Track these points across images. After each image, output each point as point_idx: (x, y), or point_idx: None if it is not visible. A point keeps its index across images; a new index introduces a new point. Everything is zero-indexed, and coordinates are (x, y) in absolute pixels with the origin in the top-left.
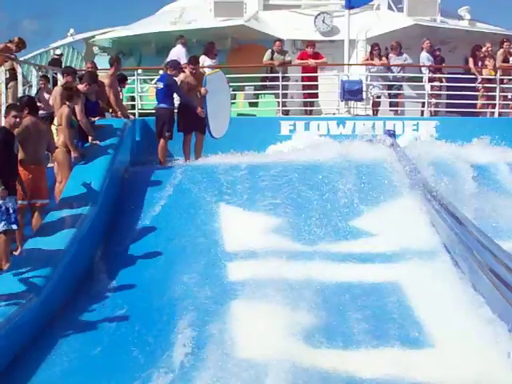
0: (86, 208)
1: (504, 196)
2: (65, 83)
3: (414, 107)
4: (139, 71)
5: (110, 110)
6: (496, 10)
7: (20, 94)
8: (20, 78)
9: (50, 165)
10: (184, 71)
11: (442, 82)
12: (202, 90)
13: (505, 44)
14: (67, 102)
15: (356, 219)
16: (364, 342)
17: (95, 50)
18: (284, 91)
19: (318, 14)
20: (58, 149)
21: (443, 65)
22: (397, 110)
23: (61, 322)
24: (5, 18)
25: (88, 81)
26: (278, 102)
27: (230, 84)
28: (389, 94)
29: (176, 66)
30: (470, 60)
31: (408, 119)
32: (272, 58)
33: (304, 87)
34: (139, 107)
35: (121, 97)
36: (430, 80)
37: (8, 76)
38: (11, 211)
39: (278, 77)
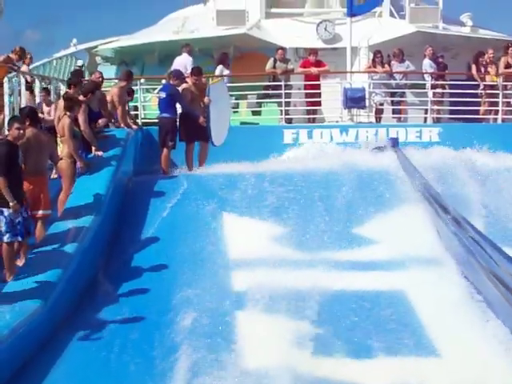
0: (90, 218)
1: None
2: (65, 93)
3: (417, 114)
4: (142, 80)
5: (113, 121)
6: (498, 16)
7: (23, 105)
8: (23, 89)
9: (53, 175)
10: (187, 81)
11: (444, 88)
12: (206, 99)
13: (510, 49)
14: (68, 113)
15: (360, 227)
16: (369, 350)
17: (98, 59)
18: (287, 99)
19: (320, 22)
20: (62, 160)
21: (446, 72)
22: (400, 117)
23: (65, 332)
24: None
25: (89, 90)
26: (281, 111)
27: (233, 93)
28: (391, 102)
29: (179, 75)
30: (473, 66)
31: (411, 126)
32: (274, 67)
33: (307, 95)
34: (142, 116)
35: (127, 108)
36: (433, 87)
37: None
38: (16, 223)
39: (281, 85)
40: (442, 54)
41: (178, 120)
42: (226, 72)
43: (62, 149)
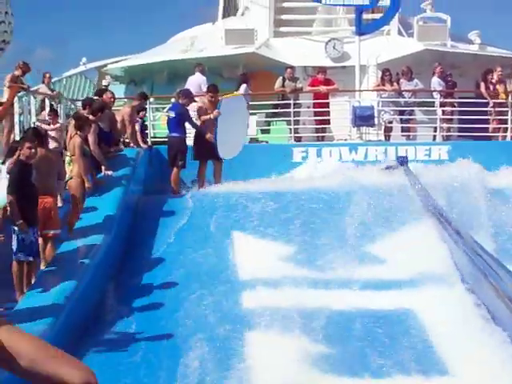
0: (100, 238)
1: None
2: (75, 113)
3: (426, 132)
4: (151, 99)
5: (122, 140)
6: (506, 34)
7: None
8: (33, 109)
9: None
10: (196, 100)
11: (453, 106)
12: (215, 111)
13: None
14: (78, 132)
15: (370, 245)
16: (379, 370)
17: (107, 78)
18: (296, 118)
19: (329, 41)
20: (72, 179)
21: (455, 89)
22: (409, 135)
23: (75, 352)
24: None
25: (98, 110)
26: (290, 129)
27: None
28: (400, 120)
29: (187, 94)
30: (482, 84)
31: (420, 144)
32: (283, 85)
33: (316, 114)
34: (151, 135)
35: (137, 127)
36: (442, 105)
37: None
38: (27, 242)
39: (290, 104)
40: (450, 72)
41: (187, 139)
42: (248, 91)
43: (73, 168)
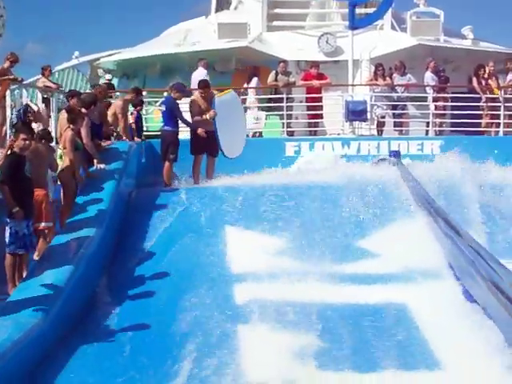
0: (92, 231)
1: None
2: (67, 106)
3: (419, 127)
4: (144, 93)
5: (115, 134)
6: (499, 29)
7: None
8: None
9: None
10: (188, 95)
11: (446, 101)
12: (211, 112)
13: (508, 63)
14: (71, 126)
15: (362, 240)
16: (372, 364)
17: (100, 72)
18: (288, 112)
19: (322, 35)
20: (63, 171)
21: (448, 84)
22: (401, 130)
23: (68, 343)
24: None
25: (90, 103)
26: (283, 123)
27: None
28: (393, 114)
29: (180, 88)
30: (474, 79)
31: (413, 139)
32: (276, 79)
33: (308, 108)
34: (144, 129)
35: (132, 120)
36: (435, 100)
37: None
38: (20, 235)
39: (283, 98)
40: (443, 67)
41: (180, 133)
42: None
43: (64, 161)
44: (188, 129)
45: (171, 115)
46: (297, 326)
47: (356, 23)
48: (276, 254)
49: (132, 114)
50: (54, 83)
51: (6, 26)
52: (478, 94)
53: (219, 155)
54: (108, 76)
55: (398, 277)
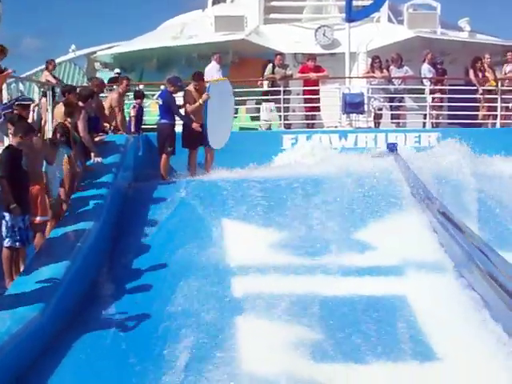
0: (89, 224)
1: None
2: (65, 99)
3: (416, 119)
4: (141, 86)
5: (112, 128)
6: (496, 21)
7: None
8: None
9: None
10: (183, 89)
11: (444, 93)
12: (204, 95)
13: (508, 54)
14: (68, 119)
15: (359, 232)
16: (369, 356)
17: (97, 65)
18: (286, 105)
19: (319, 28)
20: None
21: (445, 77)
22: (398, 123)
23: (66, 337)
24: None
25: (88, 96)
26: (280, 116)
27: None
28: (390, 107)
29: (175, 82)
30: (471, 71)
31: (410, 131)
32: (273, 72)
33: (305, 100)
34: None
35: (133, 113)
36: (432, 92)
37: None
38: (16, 229)
39: (280, 90)
40: (441, 59)
41: (176, 125)
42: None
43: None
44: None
45: (168, 108)
46: (293, 319)
47: (353, 16)
48: (273, 246)
49: (134, 106)
50: (56, 78)
51: (3, 20)
52: (475, 86)
53: None
54: (117, 69)
55: (396, 269)
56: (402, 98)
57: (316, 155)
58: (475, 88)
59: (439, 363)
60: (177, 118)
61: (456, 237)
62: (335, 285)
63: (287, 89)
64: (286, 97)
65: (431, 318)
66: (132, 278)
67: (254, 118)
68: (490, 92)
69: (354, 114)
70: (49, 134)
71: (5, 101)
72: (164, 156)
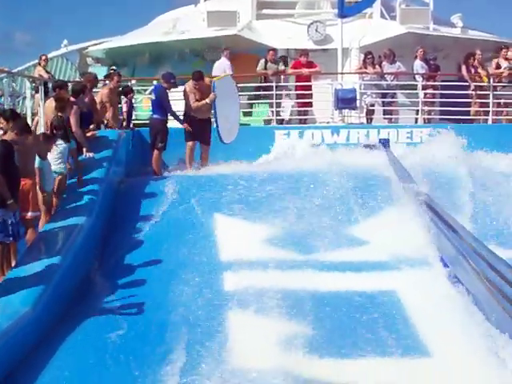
0: (81, 220)
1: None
2: (56, 94)
3: (408, 115)
4: (133, 81)
5: (105, 122)
6: (489, 17)
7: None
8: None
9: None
10: (176, 86)
11: (436, 89)
12: (211, 95)
13: (503, 51)
14: (60, 114)
15: (351, 228)
16: (361, 351)
17: (89, 60)
18: (278, 100)
19: (311, 23)
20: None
21: (438, 73)
22: (391, 118)
23: (57, 333)
24: None
25: (79, 91)
26: (272, 112)
27: None
28: (382, 102)
29: (168, 78)
30: (463, 67)
31: (402, 127)
32: (265, 68)
33: (298, 96)
34: (133, 118)
35: (125, 109)
36: (424, 88)
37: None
38: (8, 223)
39: (272, 86)
40: (434, 55)
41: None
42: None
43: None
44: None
45: (160, 104)
46: (285, 314)
47: (345, 11)
48: (265, 241)
49: (126, 102)
50: (48, 72)
51: None
52: (467, 82)
53: (214, 140)
54: (114, 67)
55: (387, 264)
56: (395, 93)
57: (307, 151)
58: (467, 84)
59: (429, 358)
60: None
61: (446, 232)
62: (327, 280)
63: (279, 84)
64: (278, 92)
65: (422, 313)
66: (124, 273)
67: (246, 114)
68: (482, 88)
69: (347, 110)
70: (41, 129)
71: None
72: (156, 151)
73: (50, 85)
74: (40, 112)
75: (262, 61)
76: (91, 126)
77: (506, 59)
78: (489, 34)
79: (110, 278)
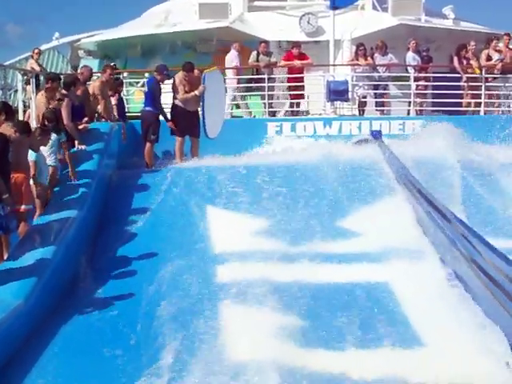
0: (73, 212)
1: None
2: (48, 88)
3: (400, 107)
4: (125, 74)
5: (97, 115)
6: (480, 9)
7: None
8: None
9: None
10: (170, 78)
11: (428, 81)
12: (200, 87)
13: (493, 42)
14: (51, 106)
15: (343, 220)
16: (354, 342)
17: (80, 53)
18: (270, 92)
19: (303, 15)
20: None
21: (430, 64)
22: (383, 110)
23: (49, 326)
24: None
25: (70, 84)
26: (264, 104)
27: None
28: (375, 94)
29: (161, 70)
30: (455, 59)
31: (394, 119)
32: (257, 60)
33: (290, 88)
34: (125, 110)
35: (114, 101)
36: (416, 79)
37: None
38: None
39: (264, 78)
40: (427, 47)
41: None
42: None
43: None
44: (169, 109)
45: (153, 96)
46: (278, 306)
47: (337, 3)
48: (258, 234)
49: (113, 95)
50: (40, 65)
51: None
52: (459, 73)
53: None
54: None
55: (379, 256)
56: (387, 85)
57: (300, 143)
58: (459, 76)
59: (422, 348)
60: (163, 105)
61: (440, 223)
62: (319, 272)
63: (271, 76)
64: (270, 84)
65: (415, 305)
66: (116, 266)
67: (238, 106)
68: (474, 80)
69: (339, 102)
70: (32, 122)
71: None
72: (148, 144)
73: (41, 77)
74: (32, 105)
75: (254, 53)
76: (85, 119)
77: (497, 51)
78: (481, 25)
79: (102, 270)
